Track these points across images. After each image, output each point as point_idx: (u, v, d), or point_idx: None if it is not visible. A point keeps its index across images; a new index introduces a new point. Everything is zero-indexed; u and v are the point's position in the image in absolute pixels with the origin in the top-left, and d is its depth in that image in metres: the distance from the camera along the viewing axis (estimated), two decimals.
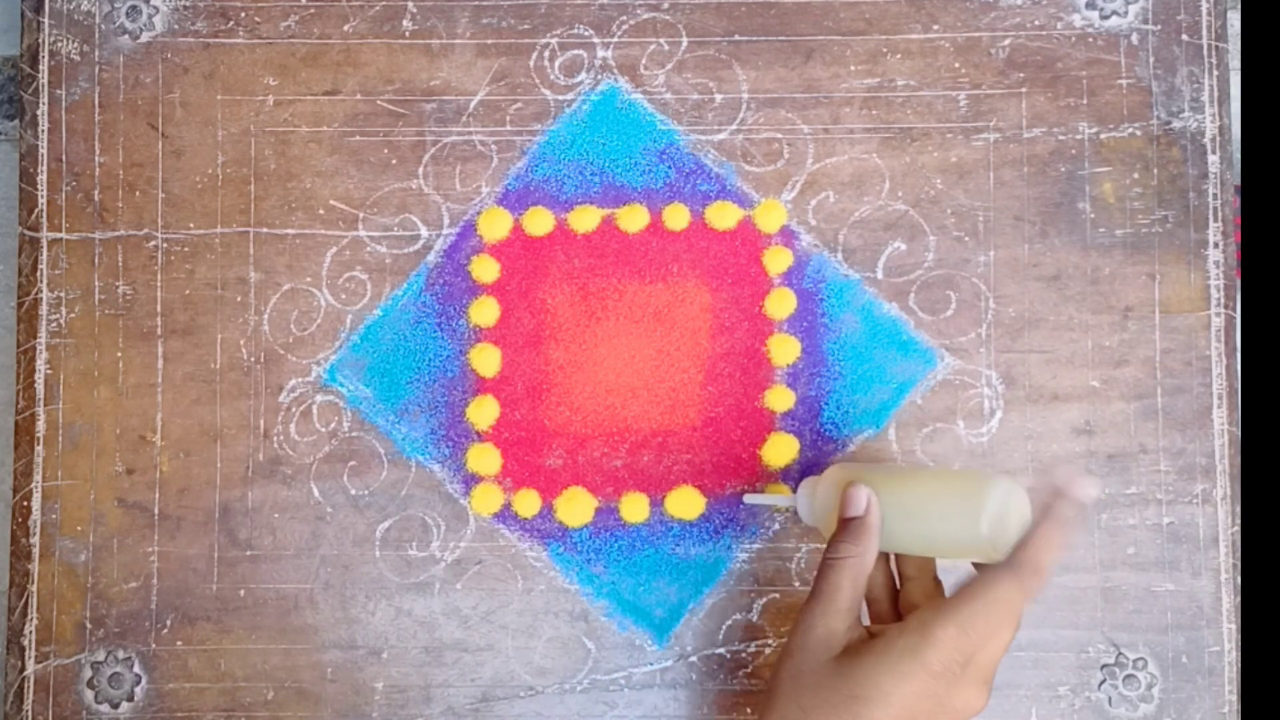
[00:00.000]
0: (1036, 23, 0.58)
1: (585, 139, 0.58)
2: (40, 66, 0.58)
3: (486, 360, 0.57)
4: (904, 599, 0.47)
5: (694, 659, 0.56)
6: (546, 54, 0.58)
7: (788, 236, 0.58)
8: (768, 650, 0.56)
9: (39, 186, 0.58)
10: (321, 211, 0.58)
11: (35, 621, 0.57)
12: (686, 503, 0.56)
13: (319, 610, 0.57)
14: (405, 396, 0.57)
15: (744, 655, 0.56)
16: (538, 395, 0.57)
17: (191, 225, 0.58)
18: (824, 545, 0.48)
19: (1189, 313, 0.57)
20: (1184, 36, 0.58)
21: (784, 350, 0.57)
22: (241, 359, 0.57)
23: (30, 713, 0.56)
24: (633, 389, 0.57)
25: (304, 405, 0.57)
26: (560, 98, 0.58)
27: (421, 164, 0.58)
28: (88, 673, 0.56)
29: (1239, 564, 0.56)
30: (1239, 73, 0.55)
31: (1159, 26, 0.58)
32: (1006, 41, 0.58)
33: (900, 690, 0.41)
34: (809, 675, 0.43)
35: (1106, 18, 0.58)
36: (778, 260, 0.57)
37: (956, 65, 0.58)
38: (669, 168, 0.58)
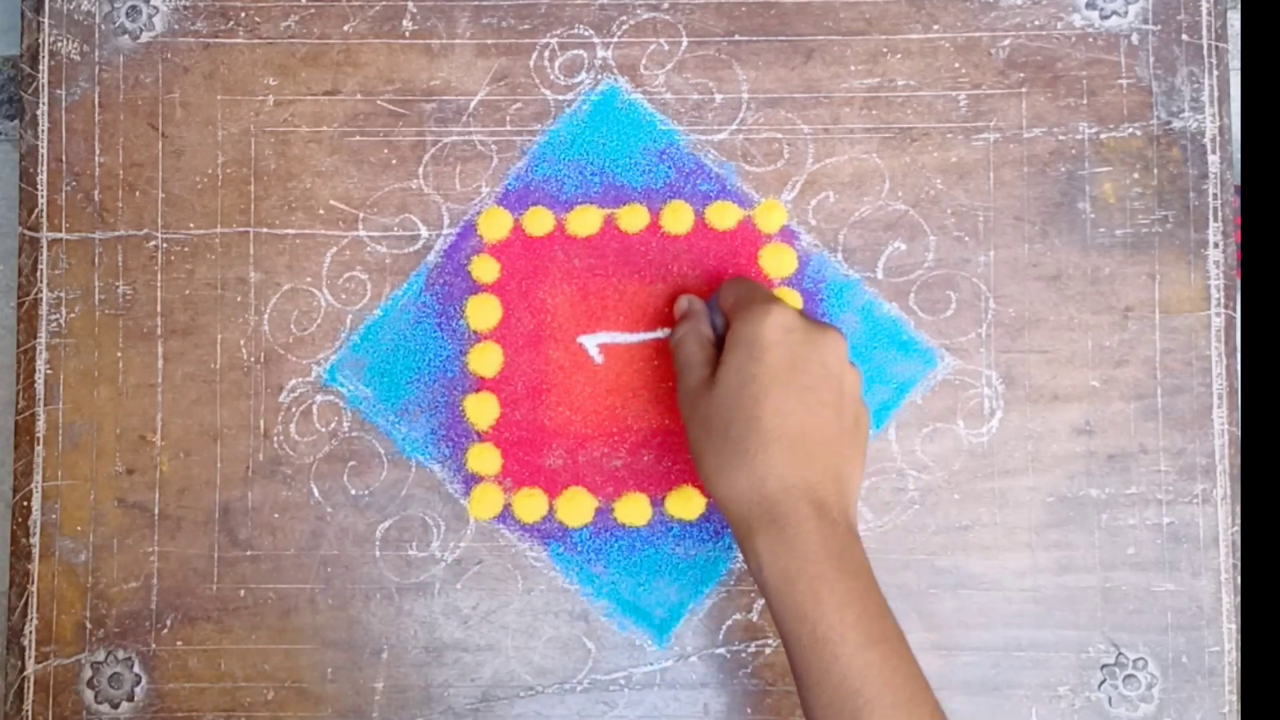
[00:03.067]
0: (1036, 23, 0.58)
1: (585, 139, 0.58)
2: (40, 66, 0.58)
3: (486, 360, 0.57)
4: None
5: (694, 659, 0.56)
6: (546, 54, 0.58)
7: (788, 236, 0.58)
8: (768, 650, 0.56)
9: (39, 186, 0.58)
10: (321, 211, 0.58)
11: (35, 621, 0.57)
12: (686, 503, 0.56)
13: (319, 610, 0.57)
14: (405, 396, 0.57)
15: (744, 655, 0.56)
16: (538, 395, 0.57)
17: (191, 225, 0.58)
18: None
19: (1189, 313, 0.57)
20: (1184, 36, 0.58)
21: None
22: (241, 359, 0.57)
23: (30, 713, 0.56)
24: (633, 389, 0.57)
25: (304, 405, 0.57)
26: (560, 98, 0.58)
27: (421, 164, 0.58)
28: (88, 673, 0.56)
29: (1239, 564, 0.56)
30: (1239, 73, 0.55)
31: (1159, 26, 0.58)
32: (1006, 41, 0.58)
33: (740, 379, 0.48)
34: (705, 415, 0.48)
35: (1106, 18, 0.58)
36: (778, 260, 0.57)
37: (956, 65, 0.58)
38: (669, 168, 0.58)
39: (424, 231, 0.58)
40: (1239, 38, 0.55)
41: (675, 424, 0.57)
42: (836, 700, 0.44)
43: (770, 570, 0.45)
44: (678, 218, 0.57)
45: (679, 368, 0.51)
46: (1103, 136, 0.58)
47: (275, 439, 0.57)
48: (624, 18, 0.58)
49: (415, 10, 0.59)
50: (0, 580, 0.64)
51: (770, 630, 0.56)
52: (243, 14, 0.59)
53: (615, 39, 0.58)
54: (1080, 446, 0.57)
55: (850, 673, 0.44)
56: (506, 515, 0.57)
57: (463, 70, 0.58)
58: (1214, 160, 0.58)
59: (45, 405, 0.57)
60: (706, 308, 0.54)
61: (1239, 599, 0.56)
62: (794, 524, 0.45)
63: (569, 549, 0.57)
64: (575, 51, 0.58)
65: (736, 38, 0.58)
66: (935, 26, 0.58)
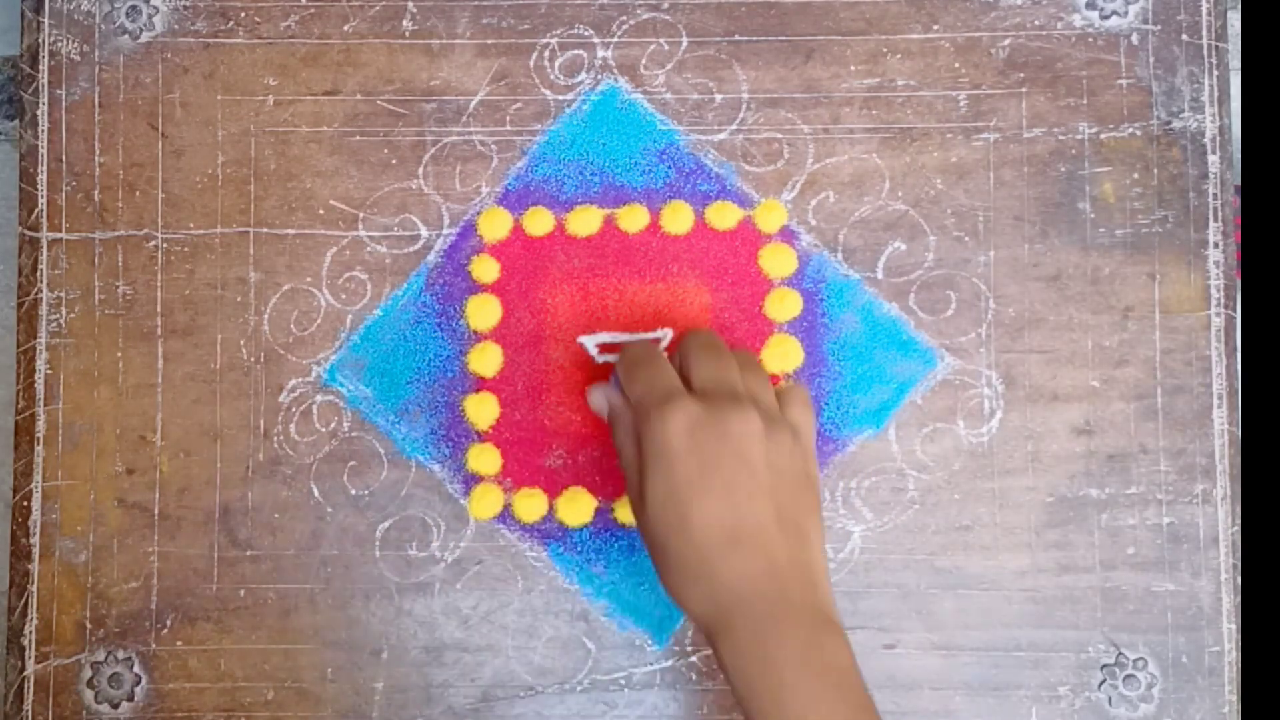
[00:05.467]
0: (1036, 23, 0.58)
1: (585, 139, 0.58)
2: (40, 66, 0.58)
3: (487, 360, 0.57)
4: None
5: (694, 659, 0.56)
6: (546, 54, 0.58)
7: (788, 236, 0.58)
8: None
9: (39, 186, 0.58)
10: (321, 211, 0.58)
11: (35, 621, 0.57)
12: None
13: (319, 610, 0.57)
14: (405, 396, 0.57)
15: None
16: (538, 395, 0.57)
17: (191, 225, 0.58)
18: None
19: (1189, 313, 0.57)
20: (1184, 36, 0.58)
21: (784, 351, 0.57)
22: (241, 359, 0.57)
23: (30, 713, 0.56)
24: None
25: (304, 405, 0.57)
26: (560, 98, 0.58)
27: (421, 164, 0.58)
28: (88, 673, 0.56)
29: (1239, 564, 0.56)
30: (1239, 73, 0.55)
31: (1159, 26, 0.58)
32: (1006, 41, 0.58)
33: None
34: (644, 531, 0.47)
35: (1106, 18, 0.58)
36: (778, 260, 0.57)
37: (956, 65, 0.58)
38: (669, 168, 0.58)
39: (424, 231, 0.58)
40: (1239, 38, 0.55)
41: None
42: None
43: (734, 678, 0.43)
44: (678, 218, 0.57)
45: (624, 476, 0.49)
46: (1103, 136, 0.58)
47: (275, 439, 0.57)
48: (624, 18, 0.58)
49: (415, 10, 0.59)
50: (0, 580, 0.64)
51: None
52: (243, 14, 0.59)
53: (615, 39, 0.58)
54: (1080, 446, 0.57)
55: None
56: (506, 515, 0.57)
57: (463, 70, 0.58)
58: (1214, 160, 0.58)
59: (45, 405, 0.57)
60: (622, 395, 0.50)
61: (1239, 599, 0.56)
62: (749, 629, 0.43)
63: (569, 549, 0.57)
64: (575, 51, 0.58)
65: (736, 38, 0.58)
66: (935, 26, 0.58)
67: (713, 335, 0.50)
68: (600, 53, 0.58)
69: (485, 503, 0.56)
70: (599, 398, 0.51)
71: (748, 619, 0.43)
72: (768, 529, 0.45)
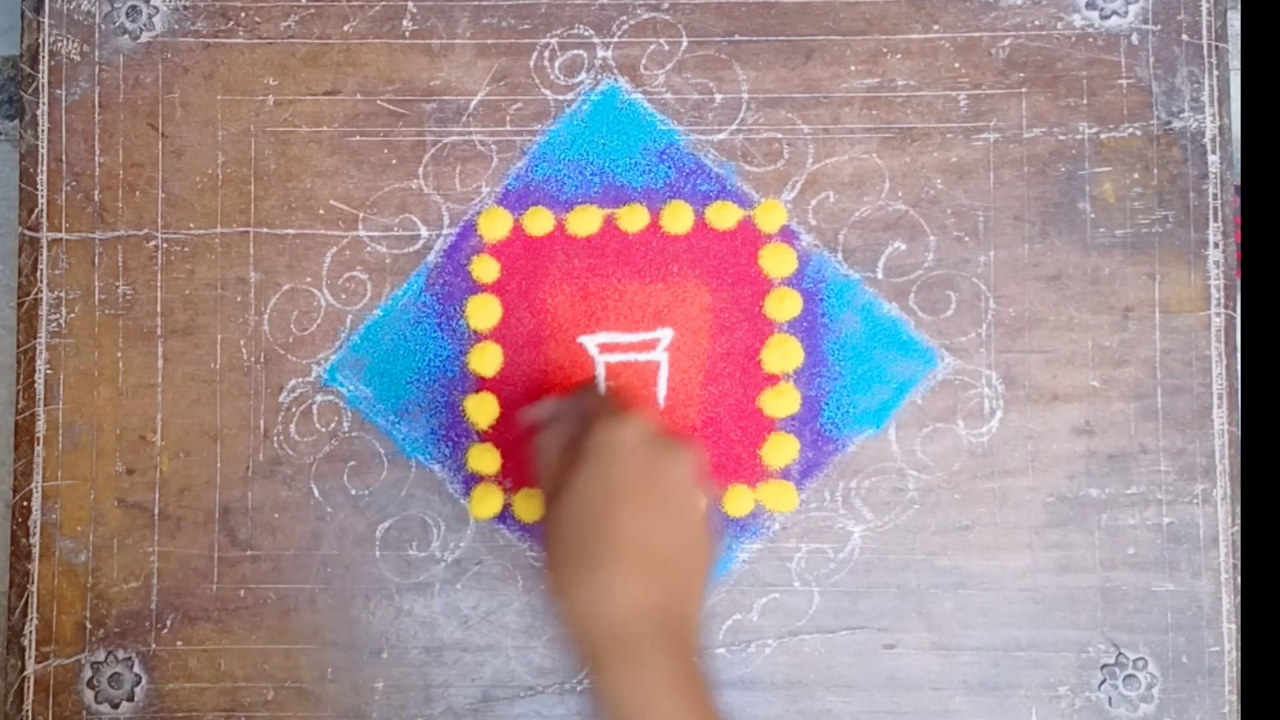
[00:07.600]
0: (1036, 23, 0.58)
1: (585, 139, 0.58)
2: (40, 66, 0.58)
3: (487, 360, 0.57)
4: None
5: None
6: (546, 54, 0.58)
7: (788, 236, 0.58)
8: (768, 650, 0.56)
9: (39, 186, 0.58)
10: (321, 211, 0.58)
11: (35, 621, 0.57)
12: None
13: (319, 610, 0.57)
14: (405, 396, 0.57)
15: (744, 655, 0.56)
16: (538, 395, 0.57)
17: (191, 225, 0.58)
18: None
19: (1189, 313, 0.57)
20: (1184, 36, 0.58)
21: (784, 350, 0.57)
22: (241, 359, 0.57)
23: (30, 713, 0.56)
24: (633, 389, 0.57)
25: (304, 405, 0.57)
26: (560, 98, 0.58)
27: (421, 164, 0.58)
28: (88, 673, 0.56)
29: (1239, 564, 0.56)
30: (1239, 73, 0.55)
31: (1159, 26, 0.58)
32: (1006, 41, 0.58)
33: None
34: (554, 522, 0.47)
35: (1106, 18, 0.58)
36: (778, 260, 0.57)
37: (956, 65, 0.58)
38: (669, 168, 0.58)
39: (424, 231, 0.58)
40: (1239, 38, 0.55)
41: (675, 424, 0.57)
42: None
43: (620, 702, 0.43)
44: (678, 218, 0.57)
45: (541, 474, 0.49)
46: (1103, 136, 0.58)
47: (275, 439, 0.57)
48: (624, 18, 0.58)
49: (415, 10, 0.59)
50: (0, 580, 0.64)
51: (770, 630, 0.56)
52: (243, 14, 0.59)
53: (615, 39, 0.58)
54: (1080, 446, 0.57)
55: None
56: (506, 515, 0.57)
57: (463, 70, 0.58)
58: (1214, 160, 0.58)
59: (45, 405, 0.57)
60: (571, 406, 0.51)
61: (1239, 599, 0.56)
62: (643, 652, 0.42)
63: None
64: (575, 51, 0.58)
65: (736, 38, 0.58)
66: (935, 26, 0.58)
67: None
68: (600, 53, 0.58)
69: (485, 503, 0.56)
70: (546, 407, 0.51)
71: (642, 642, 0.43)
72: (678, 556, 0.44)
